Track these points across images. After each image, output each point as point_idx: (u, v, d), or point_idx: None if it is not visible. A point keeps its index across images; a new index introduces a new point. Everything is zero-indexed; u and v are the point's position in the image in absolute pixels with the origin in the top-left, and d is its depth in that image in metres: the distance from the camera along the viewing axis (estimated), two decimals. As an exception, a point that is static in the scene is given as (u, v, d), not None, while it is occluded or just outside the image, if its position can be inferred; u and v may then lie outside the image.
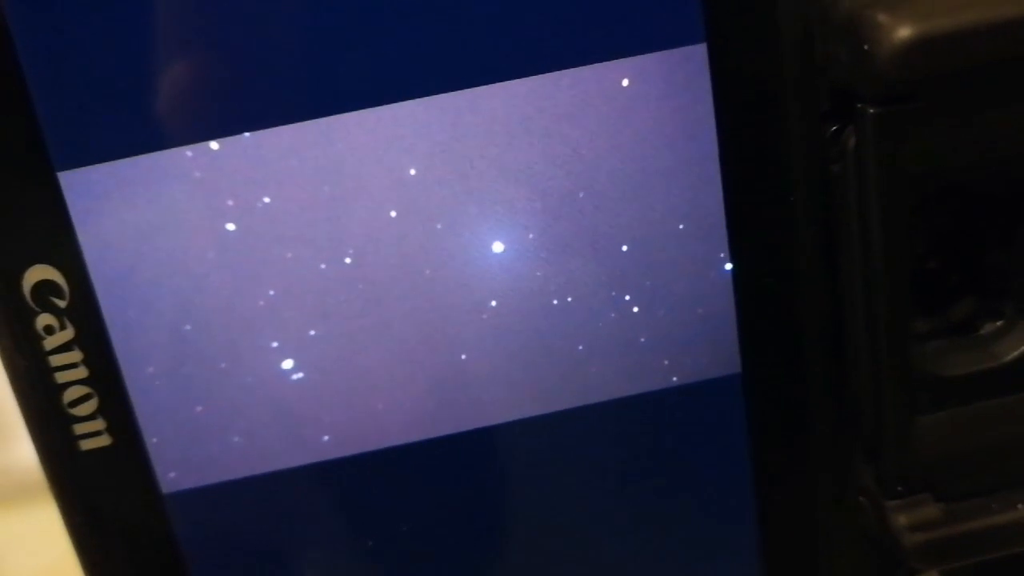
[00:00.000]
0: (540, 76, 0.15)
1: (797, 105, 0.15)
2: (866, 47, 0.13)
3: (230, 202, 0.15)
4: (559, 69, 0.15)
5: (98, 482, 0.16)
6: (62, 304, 0.15)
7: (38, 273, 0.15)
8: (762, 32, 0.15)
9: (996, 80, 0.14)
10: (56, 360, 0.15)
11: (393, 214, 0.15)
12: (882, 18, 0.13)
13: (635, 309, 0.16)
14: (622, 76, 0.15)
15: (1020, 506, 0.16)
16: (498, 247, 0.15)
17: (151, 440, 0.16)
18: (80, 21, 0.14)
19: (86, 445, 0.16)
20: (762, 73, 0.15)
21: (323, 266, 0.15)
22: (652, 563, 0.18)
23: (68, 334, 0.15)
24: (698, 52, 0.15)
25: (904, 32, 0.13)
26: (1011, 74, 0.14)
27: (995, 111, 0.14)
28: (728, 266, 0.16)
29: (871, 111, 0.14)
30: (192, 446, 0.16)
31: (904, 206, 0.14)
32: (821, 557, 0.18)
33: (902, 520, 0.16)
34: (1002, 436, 0.16)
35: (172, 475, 0.16)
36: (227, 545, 0.17)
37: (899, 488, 0.16)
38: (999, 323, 0.16)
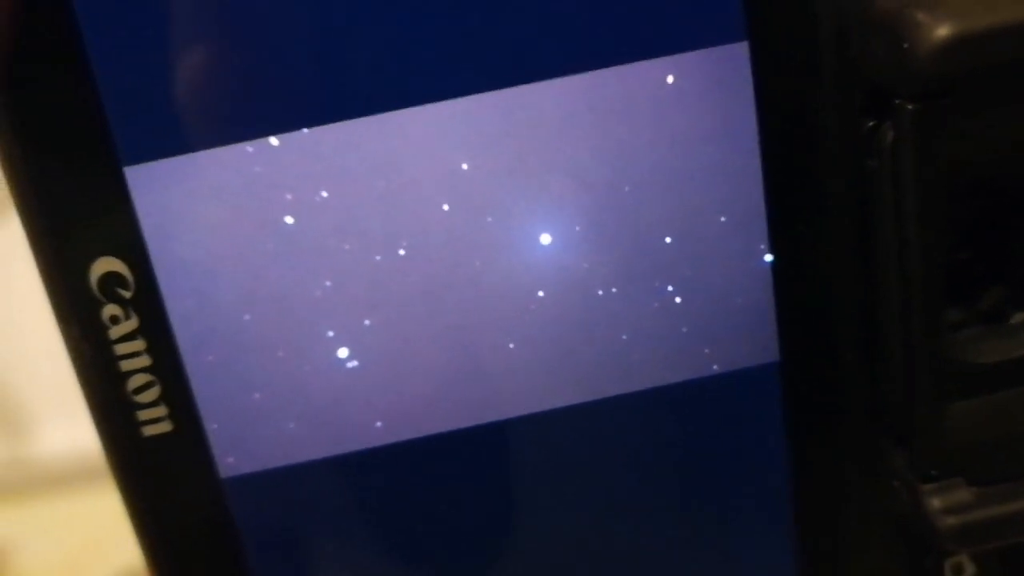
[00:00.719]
0: (588, 74, 0.15)
1: (835, 101, 0.15)
2: (905, 44, 0.14)
3: (289, 196, 0.15)
4: (606, 67, 0.15)
5: (159, 467, 0.16)
6: (127, 295, 0.15)
7: (104, 265, 0.15)
8: (801, 30, 0.15)
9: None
10: (121, 349, 0.16)
11: (446, 207, 0.16)
12: (921, 16, 0.14)
13: (677, 299, 0.16)
14: (667, 73, 0.15)
15: None
16: (546, 239, 0.16)
17: (211, 426, 0.16)
18: (147, 21, 0.14)
19: (149, 431, 0.16)
20: (801, 70, 0.15)
21: (378, 258, 0.16)
22: (691, 541, 0.18)
23: (132, 324, 0.16)
24: (740, 50, 0.15)
25: (943, 30, 0.14)
26: None
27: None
28: (768, 257, 0.16)
29: (909, 107, 0.14)
30: (250, 432, 0.16)
31: (940, 200, 0.15)
32: (854, 541, 0.18)
33: (936, 503, 0.16)
34: (999, 418, 0.17)
35: (230, 460, 0.16)
36: (283, 529, 0.17)
37: (932, 472, 0.17)
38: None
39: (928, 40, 0.14)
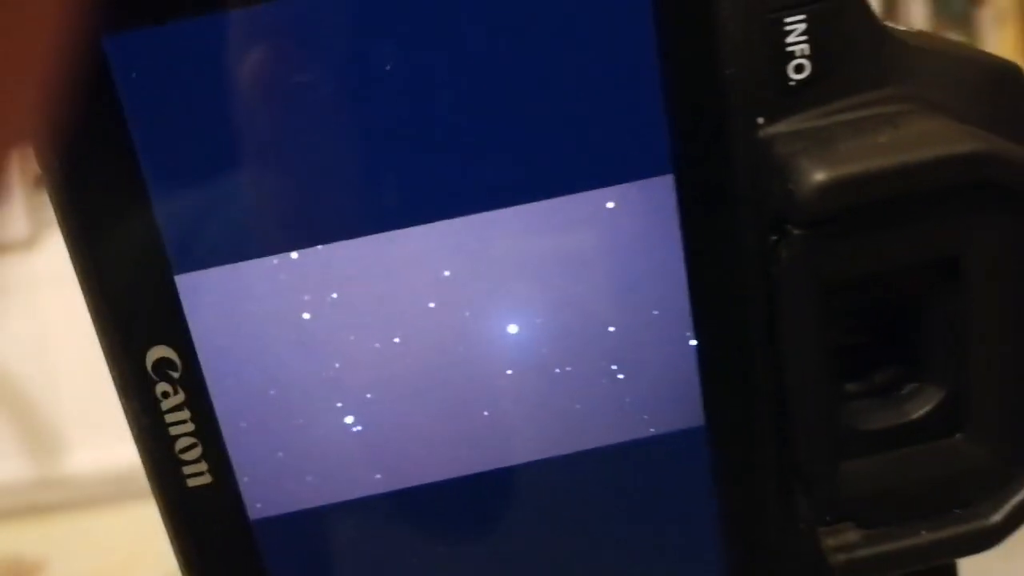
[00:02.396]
0: (544, 201, 0.19)
1: (748, 223, 0.19)
2: (790, 186, 0.18)
3: (306, 297, 0.19)
4: (558, 196, 0.19)
5: (201, 511, 0.20)
6: (176, 375, 0.19)
7: (158, 352, 0.19)
8: (718, 166, 0.19)
9: (893, 208, 0.18)
10: (170, 418, 0.20)
11: (432, 305, 0.19)
12: (804, 163, 0.18)
13: (620, 376, 0.20)
14: (607, 200, 0.19)
15: (923, 532, 0.20)
16: (513, 329, 0.20)
17: (243, 479, 0.20)
18: (193, 160, 0.18)
19: (192, 483, 0.20)
20: (718, 197, 0.19)
21: (377, 345, 0.19)
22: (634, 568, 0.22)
23: (180, 398, 0.19)
24: (667, 181, 0.19)
25: (820, 176, 0.18)
26: (904, 205, 0.18)
27: (892, 232, 0.18)
28: (693, 342, 0.20)
29: (796, 232, 0.18)
30: (274, 483, 0.20)
31: (821, 302, 0.19)
32: (775, 572, 0.22)
33: (829, 543, 0.20)
34: (910, 478, 0.20)
35: (259, 506, 0.20)
36: (303, 561, 0.21)
37: (827, 518, 0.20)
38: (911, 386, 0.21)
39: (808, 183, 0.18)
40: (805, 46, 0.18)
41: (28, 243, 1.29)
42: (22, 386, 1.30)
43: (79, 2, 0.11)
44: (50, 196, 0.18)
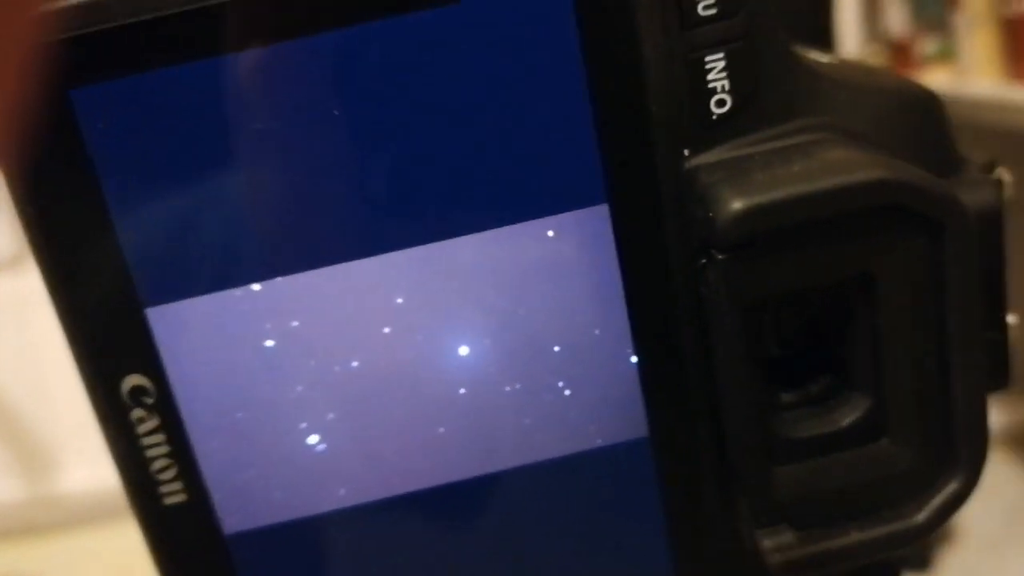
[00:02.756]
0: (492, 230, 0.20)
1: (678, 248, 0.21)
2: (711, 214, 0.19)
3: (268, 325, 0.21)
4: (500, 226, 0.20)
5: (178, 528, 0.22)
6: (150, 401, 0.21)
7: (132, 380, 0.21)
8: (649, 196, 0.20)
9: (809, 231, 0.20)
10: (146, 441, 0.21)
11: (387, 330, 0.21)
12: (722, 193, 0.19)
13: (567, 392, 0.22)
14: (547, 229, 0.20)
15: (853, 532, 0.22)
16: (464, 350, 0.21)
17: (216, 496, 0.21)
18: (159, 198, 0.20)
19: (168, 501, 0.21)
20: (649, 223, 0.21)
21: (337, 368, 0.21)
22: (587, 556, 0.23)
23: (155, 422, 0.21)
24: (603, 210, 0.20)
25: (736, 205, 0.19)
26: (819, 227, 0.20)
27: (809, 253, 0.20)
28: (634, 359, 0.21)
29: (719, 256, 0.20)
30: (246, 499, 0.22)
31: (745, 319, 0.20)
32: (722, 572, 0.23)
33: (766, 544, 0.22)
34: (840, 481, 0.22)
35: (232, 521, 0.22)
36: (275, 572, 0.22)
37: (764, 520, 0.22)
38: (840, 396, 0.22)
39: (725, 211, 0.19)
40: (725, 82, 0.20)
41: (15, 261, 1.30)
42: (14, 406, 1.31)
43: (41, 51, 0.12)
44: (25, 236, 0.20)
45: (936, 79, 0.83)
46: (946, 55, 0.93)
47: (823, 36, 0.45)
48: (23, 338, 1.37)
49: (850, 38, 1.02)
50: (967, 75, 0.83)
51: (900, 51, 1.01)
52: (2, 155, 0.15)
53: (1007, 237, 0.22)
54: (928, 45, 0.98)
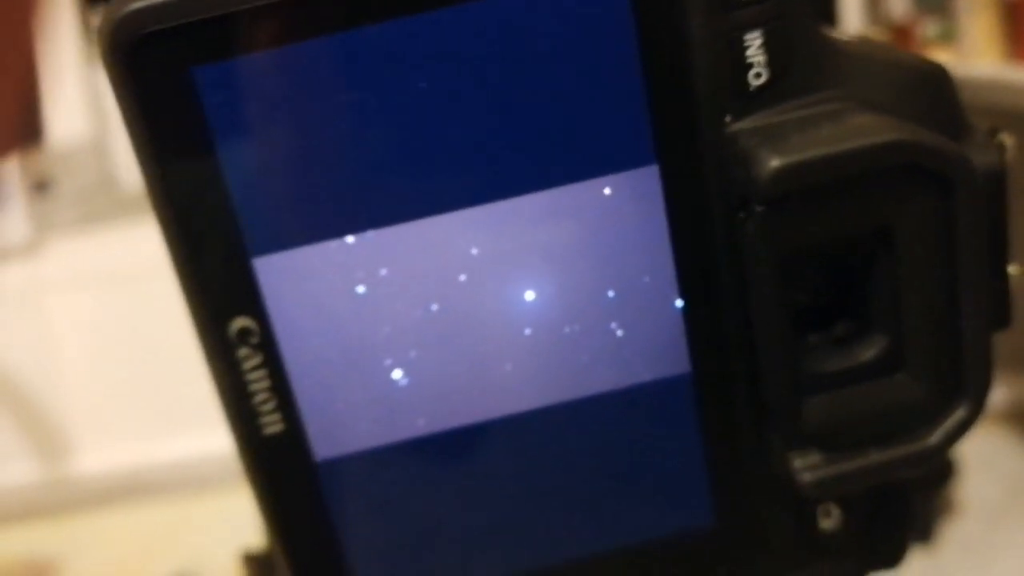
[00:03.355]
0: (556, 188, 0.23)
1: (720, 203, 0.23)
2: (752, 172, 0.22)
3: (360, 273, 0.23)
4: (567, 184, 0.23)
5: (275, 455, 0.24)
6: (255, 341, 0.24)
7: (240, 322, 0.23)
8: (694, 157, 0.23)
9: (836, 187, 0.22)
10: (250, 376, 0.24)
11: (463, 278, 0.24)
12: (761, 154, 0.22)
13: (619, 333, 0.24)
14: (605, 187, 0.23)
15: (873, 454, 0.24)
16: (530, 295, 0.24)
17: (309, 426, 0.24)
18: (266, 162, 0.23)
19: (268, 431, 0.24)
20: (696, 183, 0.23)
21: (419, 312, 0.24)
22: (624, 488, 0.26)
23: (258, 359, 0.24)
24: (654, 170, 0.23)
25: (774, 163, 0.22)
26: (845, 184, 0.22)
27: (836, 206, 0.23)
28: (679, 303, 0.24)
29: (758, 209, 0.23)
30: (335, 429, 0.24)
31: (781, 267, 0.23)
32: (758, 497, 0.26)
33: (797, 464, 0.25)
34: (861, 409, 0.25)
35: (322, 448, 0.25)
36: (358, 494, 0.25)
37: (794, 444, 0.25)
38: (861, 336, 0.25)
39: (765, 169, 0.22)
40: (762, 57, 0.23)
41: (31, 248, 1.33)
42: (30, 390, 1.33)
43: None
44: (148, 194, 0.23)
45: (939, 60, 0.84)
46: (947, 37, 0.95)
47: (827, 19, 0.47)
48: (38, 323, 1.39)
49: (853, 21, 1.04)
50: (968, 57, 0.86)
51: (902, 34, 1.03)
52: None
53: (1009, 195, 0.25)
54: (929, 28, 1.01)
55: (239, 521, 0.26)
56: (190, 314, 0.24)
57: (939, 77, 0.25)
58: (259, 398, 0.24)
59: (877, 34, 1.05)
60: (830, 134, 0.22)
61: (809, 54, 0.23)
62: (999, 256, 0.25)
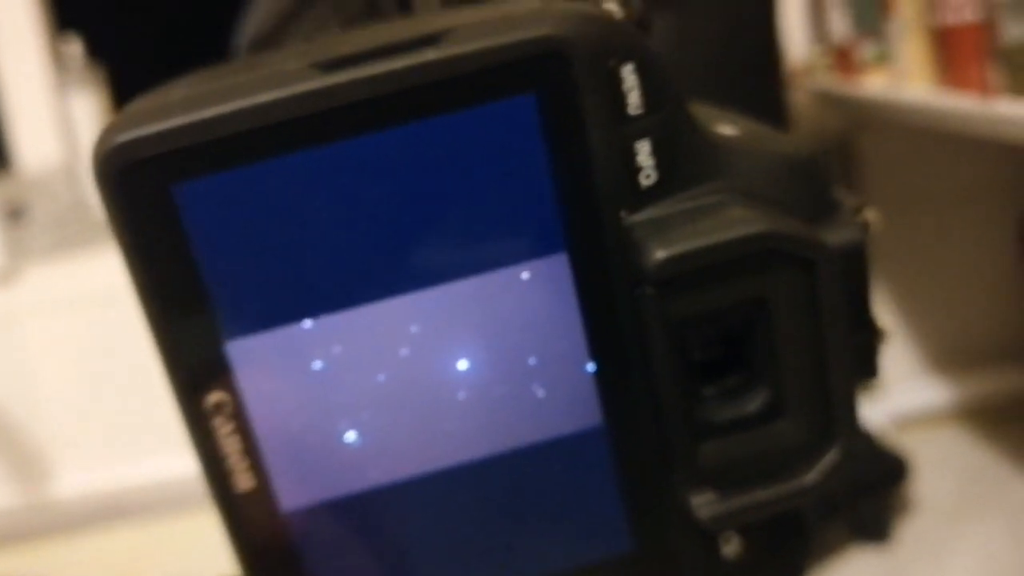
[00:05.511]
0: (482, 274, 0.27)
1: (621, 284, 0.28)
2: (642, 260, 0.26)
3: (317, 351, 0.27)
4: (491, 270, 0.27)
5: (247, 508, 0.28)
6: (228, 411, 0.28)
7: (215, 396, 0.27)
8: (597, 247, 0.27)
9: (716, 268, 0.27)
10: (224, 441, 0.28)
11: (404, 352, 0.28)
12: (650, 245, 0.26)
13: (540, 393, 0.29)
14: (523, 272, 0.27)
15: (759, 491, 0.29)
16: (463, 364, 0.28)
17: (276, 481, 0.28)
18: (244, 263, 0.27)
19: (240, 487, 0.28)
20: (599, 267, 0.27)
21: (368, 381, 0.28)
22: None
23: (231, 426, 0.28)
24: (563, 257, 0.27)
25: (659, 254, 0.26)
26: (723, 265, 0.27)
27: (716, 284, 0.27)
28: (590, 366, 0.29)
29: (649, 290, 0.27)
30: (300, 483, 0.29)
31: (673, 334, 0.27)
32: (670, 532, 0.30)
33: (695, 501, 0.29)
34: (749, 453, 0.29)
35: (288, 500, 0.29)
36: (323, 538, 0.29)
37: (693, 484, 0.29)
38: (747, 388, 0.29)
39: (652, 259, 0.26)
40: (651, 161, 0.27)
41: (5, 276, 1.35)
42: (7, 415, 1.35)
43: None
44: (138, 299, 0.27)
45: (875, 82, 0.90)
46: (884, 59, 0.99)
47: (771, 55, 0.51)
48: (15, 349, 1.41)
49: (796, 41, 1.09)
50: (902, 79, 0.91)
51: (842, 55, 1.08)
52: None
53: (871, 264, 0.29)
54: (868, 50, 1.05)
55: (220, 542, 0.30)
56: (171, 389, 0.28)
57: (810, 165, 0.29)
58: (232, 459, 0.28)
59: (820, 53, 1.10)
60: (707, 226, 0.26)
61: (693, 154, 0.27)
62: (865, 314, 0.30)
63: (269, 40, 0.47)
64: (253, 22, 0.48)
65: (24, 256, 1.44)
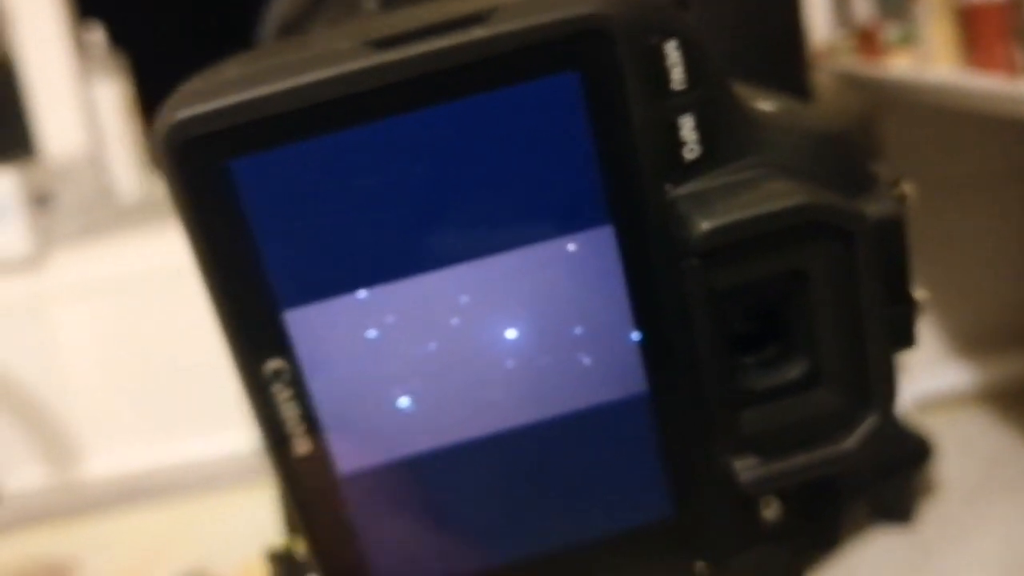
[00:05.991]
0: (529, 246, 0.28)
1: (665, 256, 0.28)
2: (686, 232, 0.27)
3: (371, 320, 0.28)
4: (538, 242, 0.28)
5: (304, 472, 0.30)
6: (287, 378, 0.29)
7: (273, 364, 0.28)
8: (641, 219, 0.28)
9: (757, 240, 0.28)
10: (282, 407, 0.29)
11: (455, 321, 0.29)
12: (694, 217, 0.27)
13: (586, 362, 0.30)
14: (569, 244, 0.28)
15: (799, 456, 0.30)
16: (511, 333, 0.29)
17: (334, 447, 0.29)
18: (297, 235, 0.28)
19: (298, 451, 0.29)
20: (644, 240, 0.28)
21: (420, 349, 0.29)
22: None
23: (289, 393, 0.29)
24: (609, 229, 0.28)
25: (704, 226, 0.27)
26: (764, 238, 0.28)
27: (758, 256, 0.28)
28: (635, 335, 0.29)
29: (694, 262, 0.28)
30: (355, 448, 0.30)
31: (716, 304, 0.28)
32: (711, 497, 0.31)
33: (737, 466, 0.30)
34: (788, 419, 0.30)
35: (343, 463, 0.30)
36: (376, 503, 0.30)
37: (734, 450, 0.30)
38: (786, 357, 0.30)
39: (697, 231, 0.27)
40: (694, 135, 0.28)
41: (32, 262, 1.37)
42: (36, 398, 1.38)
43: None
44: (199, 270, 0.28)
45: (899, 63, 0.90)
46: (908, 41, 0.99)
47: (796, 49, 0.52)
48: (44, 334, 1.43)
49: (819, 23, 1.09)
50: (927, 61, 0.91)
51: (866, 37, 1.08)
52: None
53: (909, 236, 0.30)
54: (892, 32, 1.05)
55: (247, 520, 0.31)
56: (231, 357, 0.29)
57: (846, 139, 0.30)
58: (290, 424, 0.29)
59: (844, 36, 1.10)
60: (749, 199, 0.27)
61: (733, 129, 0.28)
62: (902, 286, 0.30)
63: (295, 26, 0.48)
64: (278, 8, 0.49)
65: (50, 242, 1.46)
